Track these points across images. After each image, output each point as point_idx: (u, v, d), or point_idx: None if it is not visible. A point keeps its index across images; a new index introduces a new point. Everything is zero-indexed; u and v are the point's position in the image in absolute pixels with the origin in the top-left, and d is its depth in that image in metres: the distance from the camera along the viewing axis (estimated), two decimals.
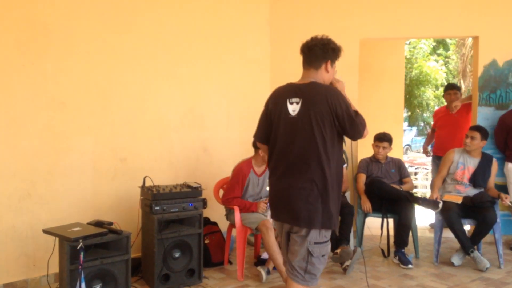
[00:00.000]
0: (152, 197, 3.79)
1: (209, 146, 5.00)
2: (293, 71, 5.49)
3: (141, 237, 4.05)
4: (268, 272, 4.12)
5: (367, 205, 4.74)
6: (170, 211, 3.85)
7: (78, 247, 3.06)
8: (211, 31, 5.00)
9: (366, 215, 4.84)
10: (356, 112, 2.51)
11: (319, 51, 2.56)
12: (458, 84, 14.12)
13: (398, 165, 5.05)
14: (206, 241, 4.40)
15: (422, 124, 16.56)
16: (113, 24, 4.22)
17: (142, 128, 4.45)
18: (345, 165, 5.04)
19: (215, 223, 4.66)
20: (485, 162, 4.74)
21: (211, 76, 5.02)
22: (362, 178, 4.93)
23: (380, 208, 4.74)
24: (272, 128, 2.63)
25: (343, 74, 5.91)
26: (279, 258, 3.91)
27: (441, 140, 5.94)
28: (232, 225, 4.37)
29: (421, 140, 19.90)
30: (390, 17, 5.41)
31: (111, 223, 3.46)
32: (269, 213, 4.20)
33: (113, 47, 4.22)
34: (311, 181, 2.46)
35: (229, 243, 4.51)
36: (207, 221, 4.60)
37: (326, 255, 2.58)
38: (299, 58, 5.92)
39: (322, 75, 2.59)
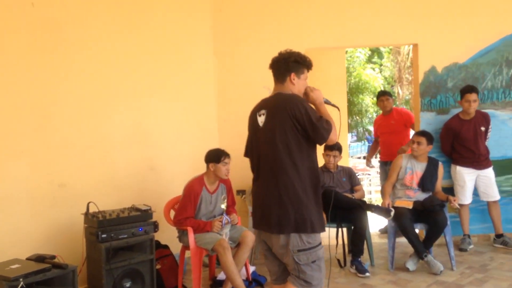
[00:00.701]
0: (98, 224, 3.50)
1: (156, 165, 4.76)
2: (239, 82, 5.47)
3: (87, 268, 3.73)
4: None
5: None
6: (119, 238, 3.58)
7: (19, 287, 2.73)
8: (152, 44, 4.79)
9: None
10: (320, 117, 2.55)
11: (281, 65, 2.66)
12: (396, 91, 14.69)
13: (349, 174, 5.06)
14: (158, 266, 4.13)
15: (361, 130, 17.13)
16: (47, 38, 3.90)
17: (82, 149, 4.13)
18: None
19: (166, 246, 4.40)
20: (431, 166, 4.84)
21: (155, 91, 4.80)
22: None
23: (334, 218, 4.69)
24: (251, 141, 2.78)
25: None
26: (237, 279, 3.74)
27: (385, 145, 6.08)
28: (185, 247, 4.14)
29: (357, 146, 20.44)
30: (334, 26, 5.47)
31: (53, 257, 3.14)
32: (224, 231, 4.02)
33: (46, 63, 3.89)
34: (278, 187, 2.55)
35: (183, 267, 4.27)
36: (158, 244, 4.32)
37: (318, 261, 2.58)
38: (245, 69, 5.84)
39: (289, 87, 2.66)
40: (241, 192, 5.23)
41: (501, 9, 5.48)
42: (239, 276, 3.81)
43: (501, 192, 5.30)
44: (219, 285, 4.13)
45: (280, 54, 2.70)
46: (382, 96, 6.12)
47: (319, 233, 2.60)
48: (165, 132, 4.88)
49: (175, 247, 4.39)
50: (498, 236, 5.30)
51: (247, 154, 2.88)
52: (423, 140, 4.79)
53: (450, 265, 4.58)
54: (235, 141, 5.19)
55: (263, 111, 2.65)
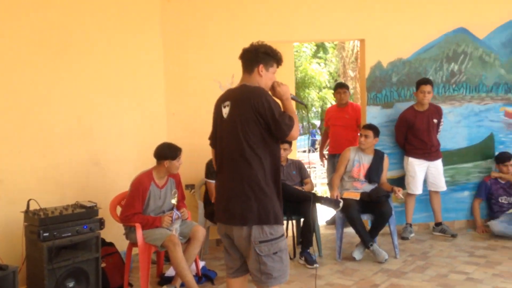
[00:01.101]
0: (40, 222, 3.33)
1: (101, 160, 4.57)
2: (188, 75, 5.35)
3: (26, 268, 3.54)
4: None
5: None
6: (62, 236, 3.44)
7: None
8: (96, 34, 4.58)
9: None
10: (283, 113, 2.53)
11: (251, 55, 2.63)
12: None
13: (299, 167, 5.10)
14: (103, 265, 3.96)
15: (306, 124, 17.48)
16: None
17: (21, 144, 3.92)
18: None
19: (111, 244, 4.26)
20: (377, 159, 4.99)
21: (100, 82, 4.60)
22: None
23: (284, 211, 4.70)
24: (215, 132, 2.75)
25: (239, 78, 5.78)
26: (188, 274, 3.69)
27: (335, 138, 6.14)
28: (132, 244, 4.02)
29: (301, 140, 20.76)
30: (284, 21, 5.44)
31: None
32: (174, 226, 3.94)
33: None
34: (241, 180, 2.53)
35: (129, 264, 4.13)
36: (102, 242, 4.15)
37: (280, 253, 2.55)
38: (195, 62, 5.69)
39: (256, 79, 2.63)
40: (190, 186, 5.15)
41: (443, 7, 5.68)
42: (190, 272, 3.75)
43: None
44: (168, 281, 4.05)
45: (252, 44, 2.66)
46: (340, 88, 6.16)
47: (282, 225, 2.60)
48: (110, 126, 4.69)
49: (121, 245, 4.26)
50: (437, 224, 5.55)
51: (211, 144, 2.84)
52: (370, 133, 4.92)
53: (394, 253, 4.75)
54: (184, 135, 5.12)
55: (227, 103, 2.61)
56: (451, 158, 5.75)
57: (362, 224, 4.65)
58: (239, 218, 2.53)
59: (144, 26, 5.09)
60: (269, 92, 2.64)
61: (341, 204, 4.59)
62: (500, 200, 5.56)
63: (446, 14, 5.71)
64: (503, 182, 5.58)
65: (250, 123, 2.50)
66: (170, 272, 4.14)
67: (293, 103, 2.78)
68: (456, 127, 5.78)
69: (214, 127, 2.78)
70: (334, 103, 15.49)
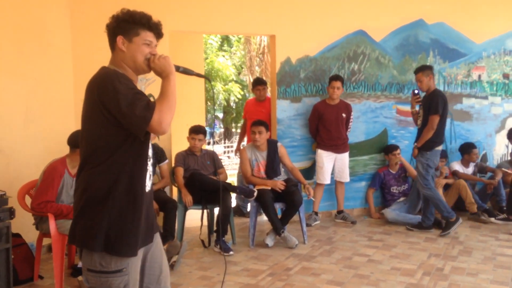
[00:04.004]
0: None
1: (4, 146, 4.24)
2: (98, 60, 5.03)
3: None
4: None
5: (188, 198, 4.72)
6: None
7: None
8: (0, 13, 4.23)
9: (186, 208, 4.82)
10: (134, 101, 1.87)
11: (108, 30, 2.08)
12: (247, 80, 15.15)
13: (212, 157, 5.17)
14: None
15: (211, 116, 17.55)
16: None
17: None
18: (166, 161, 4.98)
19: (18, 235, 3.98)
20: (271, 153, 5.08)
21: (3, 66, 4.26)
22: (181, 171, 4.89)
23: (200, 200, 4.78)
24: None
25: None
26: None
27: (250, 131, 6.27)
28: (43, 235, 3.82)
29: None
30: (199, 11, 5.44)
31: None
32: None
33: None
34: (79, 189, 1.99)
35: (39, 256, 3.91)
36: None
37: None
38: (105, 46, 5.47)
39: (119, 57, 2.05)
40: None
41: (345, 9, 6.10)
42: None
43: None
44: (81, 273, 3.89)
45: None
46: (259, 85, 6.22)
47: (122, 257, 1.94)
48: (14, 111, 4.37)
49: (26, 236, 4.03)
50: (339, 212, 5.98)
51: None
52: (263, 129, 4.99)
53: (302, 239, 5.03)
54: None
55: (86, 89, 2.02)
56: (351, 151, 6.17)
57: (275, 211, 4.85)
58: (69, 235, 2.01)
59: (50, 5, 4.79)
60: (146, 69, 2.06)
61: (255, 194, 4.76)
62: (392, 190, 6.14)
63: (347, 16, 6.13)
64: (394, 172, 6.17)
65: (96, 119, 1.92)
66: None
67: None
68: (356, 122, 6.23)
69: None
70: (239, 96, 15.85)
